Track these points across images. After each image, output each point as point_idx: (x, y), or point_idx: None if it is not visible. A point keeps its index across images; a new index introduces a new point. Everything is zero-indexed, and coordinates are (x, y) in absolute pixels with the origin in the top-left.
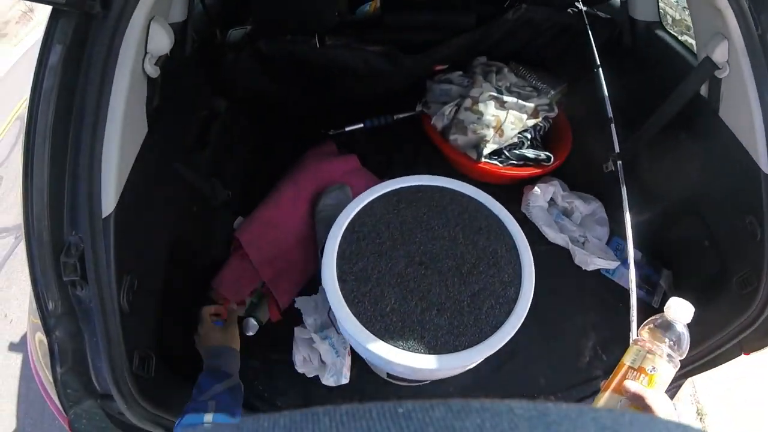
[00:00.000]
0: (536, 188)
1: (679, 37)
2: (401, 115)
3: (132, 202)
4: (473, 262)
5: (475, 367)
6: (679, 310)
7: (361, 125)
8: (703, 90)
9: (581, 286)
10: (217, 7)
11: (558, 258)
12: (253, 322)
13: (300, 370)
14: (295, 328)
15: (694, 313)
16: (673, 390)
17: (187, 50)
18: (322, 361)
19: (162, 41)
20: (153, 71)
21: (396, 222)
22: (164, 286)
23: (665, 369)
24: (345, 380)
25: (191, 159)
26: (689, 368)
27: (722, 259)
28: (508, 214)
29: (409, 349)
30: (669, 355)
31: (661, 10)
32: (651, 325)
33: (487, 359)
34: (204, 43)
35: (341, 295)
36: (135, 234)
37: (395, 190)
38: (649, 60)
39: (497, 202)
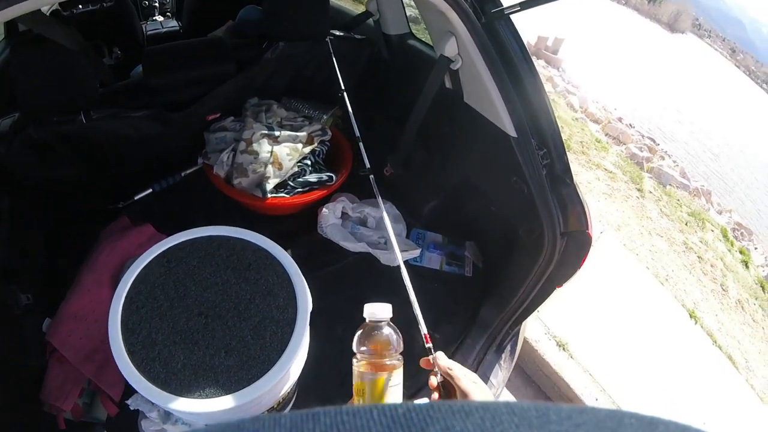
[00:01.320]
0: (324, 209)
1: None
2: (188, 171)
3: None
4: (249, 297)
5: (325, 393)
6: (377, 312)
7: (150, 190)
8: (448, 83)
9: (395, 282)
10: None
11: (367, 264)
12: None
13: None
14: (141, 422)
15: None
16: (512, 338)
17: None
18: None
19: None
20: None
21: (169, 282)
22: None
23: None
24: None
25: None
26: (517, 315)
27: (507, 218)
28: (273, 243)
29: (207, 397)
30: (392, 358)
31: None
32: (362, 339)
33: (330, 385)
34: None
35: (133, 367)
36: None
37: (163, 251)
38: (405, 67)
39: (260, 235)
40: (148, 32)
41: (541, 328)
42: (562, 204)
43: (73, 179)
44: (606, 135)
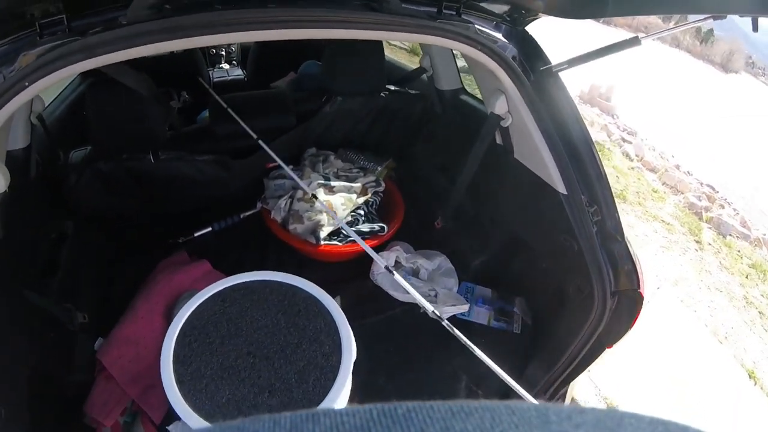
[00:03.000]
0: (378, 257)
1: None
2: (246, 213)
3: None
4: (296, 342)
5: None
6: None
7: (210, 229)
8: (498, 139)
9: (442, 335)
10: (59, 129)
11: (414, 315)
12: None
13: None
14: None
15: (555, 324)
16: (559, 399)
17: (31, 173)
18: None
19: None
20: None
21: (222, 320)
22: (32, 420)
23: None
24: None
25: (43, 285)
26: (564, 375)
27: (556, 274)
28: (323, 292)
29: None
30: None
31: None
32: None
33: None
34: (48, 166)
35: (180, 396)
36: None
37: (219, 291)
38: (457, 122)
39: (312, 284)
40: (215, 79)
41: (591, 389)
42: (613, 262)
43: (135, 212)
44: (663, 184)
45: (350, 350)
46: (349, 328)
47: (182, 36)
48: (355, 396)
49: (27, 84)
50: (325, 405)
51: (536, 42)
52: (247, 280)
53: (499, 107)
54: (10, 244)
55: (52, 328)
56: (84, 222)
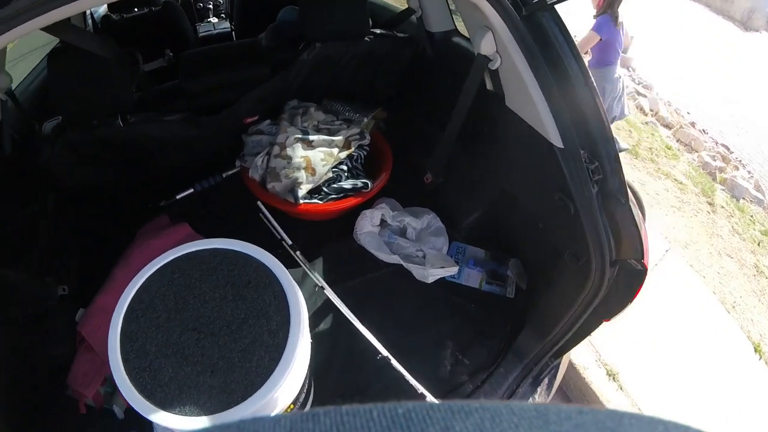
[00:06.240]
0: (362, 215)
1: None
2: (228, 173)
3: None
4: (243, 317)
5: (344, 404)
6: None
7: (191, 190)
8: (489, 84)
9: (429, 298)
10: (34, 102)
11: (400, 277)
12: (117, 408)
13: None
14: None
15: (549, 291)
16: (551, 371)
17: (6, 149)
18: None
19: None
20: None
21: (170, 293)
22: (8, 395)
23: None
24: None
25: (22, 260)
26: (557, 347)
27: (552, 237)
28: (275, 259)
29: (186, 414)
30: None
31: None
32: None
33: (348, 392)
34: (24, 139)
35: (125, 374)
36: None
37: (168, 262)
38: (450, 67)
39: (265, 251)
40: (201, 34)
41: (592, 355)
42: (615, 227)
43: (112, 180)
44: (677, 141)
45: (299, 326)
46: (301, 300)
47: None
48: (336, 361)
49: None
50: (268, 386)
51: None
52: (197, 249)
53: (486, 47)
54: None
55: (29, 303)
56: (64, 194)
